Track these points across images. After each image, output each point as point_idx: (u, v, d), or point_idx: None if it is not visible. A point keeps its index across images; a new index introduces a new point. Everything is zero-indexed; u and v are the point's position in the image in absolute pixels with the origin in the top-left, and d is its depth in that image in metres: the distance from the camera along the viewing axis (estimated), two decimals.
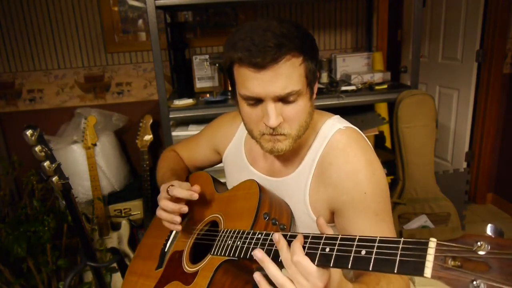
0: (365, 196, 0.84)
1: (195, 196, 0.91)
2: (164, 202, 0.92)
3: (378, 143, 2.46)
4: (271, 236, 0.73)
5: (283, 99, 0.81)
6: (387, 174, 2.17)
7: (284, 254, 0.65)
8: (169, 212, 0.92)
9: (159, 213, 0.94)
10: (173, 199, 0.93)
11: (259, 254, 0.68)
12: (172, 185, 0.94)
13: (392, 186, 2.17)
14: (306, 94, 0.84)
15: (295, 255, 0.62)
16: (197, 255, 0.95)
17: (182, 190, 0.91)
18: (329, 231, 0.65)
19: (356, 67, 2.45)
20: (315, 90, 0.90)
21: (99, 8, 2.50)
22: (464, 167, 3.00)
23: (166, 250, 1.04)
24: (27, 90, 2.58)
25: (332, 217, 0.91)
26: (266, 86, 0.79)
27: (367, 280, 0.76)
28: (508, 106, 2.87)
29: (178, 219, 0.92)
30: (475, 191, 3.10)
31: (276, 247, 0.68)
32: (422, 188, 2.13)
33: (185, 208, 0.92)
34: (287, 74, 0.78)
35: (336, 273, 0.65)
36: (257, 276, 0.68)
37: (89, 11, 2.50)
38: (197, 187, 0.94)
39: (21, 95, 2.58)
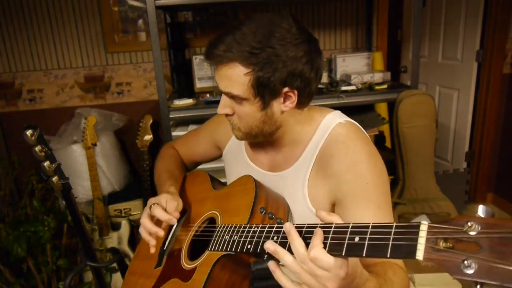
0: (367, 187, 0.84)
1: (174, 221, 0.93)
2: (144, 221, 0.94)
3: (378, 143, 2.45)
4: (268, 228, 0.73)
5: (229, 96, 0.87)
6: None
7: (297, 248, 0.61)
8: (147, 231, 0.94)
9: (140, 229, 0.96)
10: (154, 218, 0.94)
11: (271, 246, 0.64)
12: (156, 203, 0.94)
13: (392, 186, 2.17)
14: (254, 102, 0.85)
15: (314, 249, 0.59)
16: (195, 252, 0.96)
17: (163, 213, 0.93)
18: (334, 217, 0.63)
19: (356, 67, 2.45)
20: (286, 104, 0.86)
21: (99, 8, 2.50)
22: (464, 167, 3.00)
23: (165, 248, 1.04)
24: (27, 90, 2.58)
25: (333, 210, 0.90)
26: (216, 79, 0.87)
27: (375, 270, 0.75)
28: (508, 106, 2.87)
29: (153, 242, 0.94)
30: (475, 191, 3.10)
31: (277, 239, 0.68)
32: (422, 188, 2.12)
33: (160, 233, 0.93)
34: (228, 77, 0.84)
35: (354, 261, 0.62)
36: (272, 265, 0.66)
37: (89, 11, 2.50)
38: (177, 214, 0.95)
39: (21, 95, 2.58)
